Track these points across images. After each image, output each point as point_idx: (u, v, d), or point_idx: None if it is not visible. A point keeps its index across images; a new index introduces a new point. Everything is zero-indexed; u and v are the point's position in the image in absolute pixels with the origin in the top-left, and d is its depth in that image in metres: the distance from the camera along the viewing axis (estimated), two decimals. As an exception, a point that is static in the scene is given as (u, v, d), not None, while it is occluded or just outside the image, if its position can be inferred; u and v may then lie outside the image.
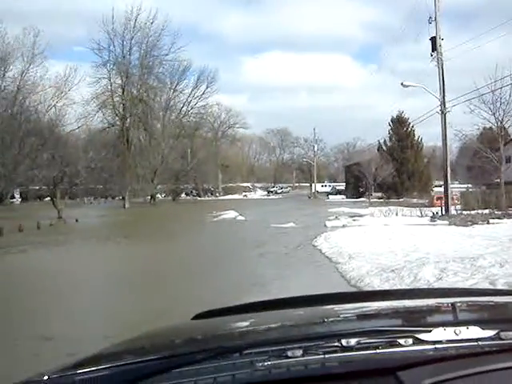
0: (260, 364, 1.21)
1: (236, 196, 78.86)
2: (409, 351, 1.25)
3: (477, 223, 23.59)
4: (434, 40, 28.95)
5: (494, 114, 33.91)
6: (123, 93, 58.45)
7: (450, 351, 1.26)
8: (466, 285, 9.13)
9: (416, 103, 79.86)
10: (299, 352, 1.23)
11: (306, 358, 1.22)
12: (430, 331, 1.28)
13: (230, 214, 35.87)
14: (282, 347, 1.24)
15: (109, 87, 58.72)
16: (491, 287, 8.54)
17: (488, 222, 24.00)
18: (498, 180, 36.77)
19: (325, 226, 25.32)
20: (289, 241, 19.47)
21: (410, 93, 39.00)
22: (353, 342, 1.25)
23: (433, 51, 29.11)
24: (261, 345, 1.29)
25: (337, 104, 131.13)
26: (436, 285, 9.54)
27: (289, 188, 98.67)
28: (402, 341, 1.27)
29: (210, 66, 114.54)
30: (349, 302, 1.91)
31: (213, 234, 24.85)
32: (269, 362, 1.22)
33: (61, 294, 11.03)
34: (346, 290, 9.73)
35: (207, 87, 67.80)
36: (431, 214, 28.50)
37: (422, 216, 28.89)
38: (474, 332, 1.29)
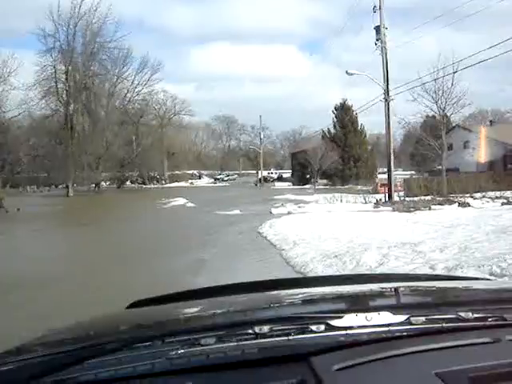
0: (173, 353, 1.23)
1: (182, 183, 78.38)
2: (320, 337, 1.29)
3: (419, 209, 24.11)
4: (378, 29, 29.40)
5: (436, 102, 34.70)
6: (67, 79, 57.19)
7: (360, 337, 1.31)
8: (407, 270, 9.31)
9: (360, 93, 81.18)
10: (212, 340, 1.25)
11: (219, 345, 1.25)
12: (342, 317, 1.32)
13: (179, 201, 36.58)
14: (196, 336, 1.26)
15: (53, 74, 57.40)
16: (431, 271, 8.73)
17: (430, 209, 24.57)
18: (440, 167, 37.61)
19: (270, 213, 25.43)
20: (234, 228, 19.48)
21: (354, 83, 39.88)
22: (265, 329, 1.27)
23: (377, 40, 29.57)
24: (175, 334, 1.29)
25: (283, 93, 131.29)
26: (378, 270, 9.70)
27: (235, 175, 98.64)
28: (314, 327, 1.30)
29: (158, 56, 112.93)
30: (269, 290, 1.94)
31: (164, 220, 24.95)
32: (182, 351, 1.23)
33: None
34: (292, 276, 9.77)
35: (152, 75, 67.21)
36: (375, 201, 28.98)
37: (365, 203, 29.36)
38: (385, 317, 1.34)
